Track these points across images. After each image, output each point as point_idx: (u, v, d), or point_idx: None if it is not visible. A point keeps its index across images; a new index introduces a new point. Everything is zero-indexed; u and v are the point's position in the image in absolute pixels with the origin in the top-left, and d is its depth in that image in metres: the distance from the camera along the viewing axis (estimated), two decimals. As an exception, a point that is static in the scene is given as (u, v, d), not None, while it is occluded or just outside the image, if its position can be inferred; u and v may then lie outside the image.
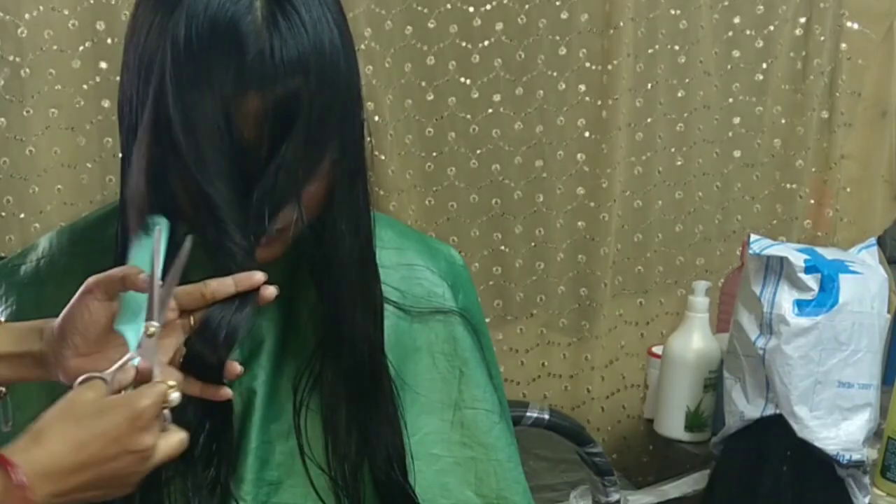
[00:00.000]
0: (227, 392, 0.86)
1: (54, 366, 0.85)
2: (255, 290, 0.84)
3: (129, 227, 0.88)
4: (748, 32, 2.05)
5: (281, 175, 0.83)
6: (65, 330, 0.83)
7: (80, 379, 0.79)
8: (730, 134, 2.09)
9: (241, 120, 0.82)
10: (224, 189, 0.82)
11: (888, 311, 1.64)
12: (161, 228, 0.82)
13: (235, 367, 0.85)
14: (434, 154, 1.92)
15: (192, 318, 0.85)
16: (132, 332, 0.82)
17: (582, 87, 1.95)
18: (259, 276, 0.84)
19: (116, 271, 0.83)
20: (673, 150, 2.06)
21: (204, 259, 0.88)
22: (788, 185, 2.13)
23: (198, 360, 0.84)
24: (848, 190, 2.14)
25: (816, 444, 1.56)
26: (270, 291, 0.85)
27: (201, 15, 0.81)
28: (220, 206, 0.82)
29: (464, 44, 1.88)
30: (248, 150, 0.82)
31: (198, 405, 0.88)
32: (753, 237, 1.64)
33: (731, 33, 2.05)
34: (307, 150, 0.83)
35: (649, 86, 2.00)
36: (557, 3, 1.90)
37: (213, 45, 0.81)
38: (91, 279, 0.83)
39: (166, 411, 0.80)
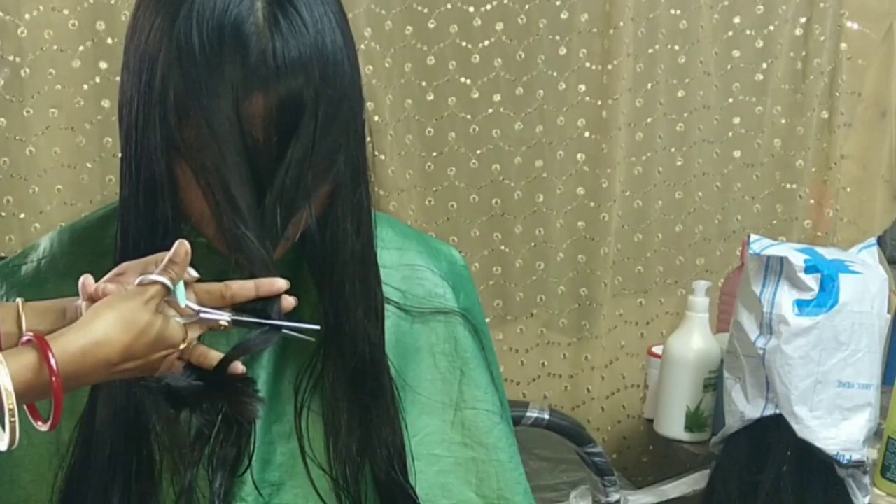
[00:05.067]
0: (238, 366, 0.86)
1: None
2: (278, 297, 0.85)
3: (129, 228, 0.89)
4: (748, 32, 2.05)
5: (291, 176, 0.83)
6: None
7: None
8: (730, 134, 2.09)
9: (249, 121, 0.82)
10: (241, 193, 0.83)
11: (888, 311, 1.64)
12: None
13: (238, 367, 0.85)
14: (434, 154, 1.91)
15: None
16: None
17: (582, 87, 1.95)
18: (281, 283, 0.84)
19: (153, 257, 0.84)
20: (673, 150, 2.06)
21: (204, 260, 0.88)
22: (788, 185, 2.13)
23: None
24: (848, 190, 2.15)
25: (816, 444, 1.56)
26: (290, 302, 0.85)
27: (208, 19, 0.81)
28: (241, 211, 0.83)
29: (464, 44, 1.88)
30: (259, 152, 0.83)
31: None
32: (753, 237, 1.64)
33: (731, 33, 2.05)
34: (315, 150, 0.84)
35: (649, 86, 2.00)
36: (557, 3, 1.90)
37: (220, 48, 0.81)
38: (125, 263, 0.84)
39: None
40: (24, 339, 0.77)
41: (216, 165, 0.82)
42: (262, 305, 0.84)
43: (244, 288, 0.84)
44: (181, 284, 0.82)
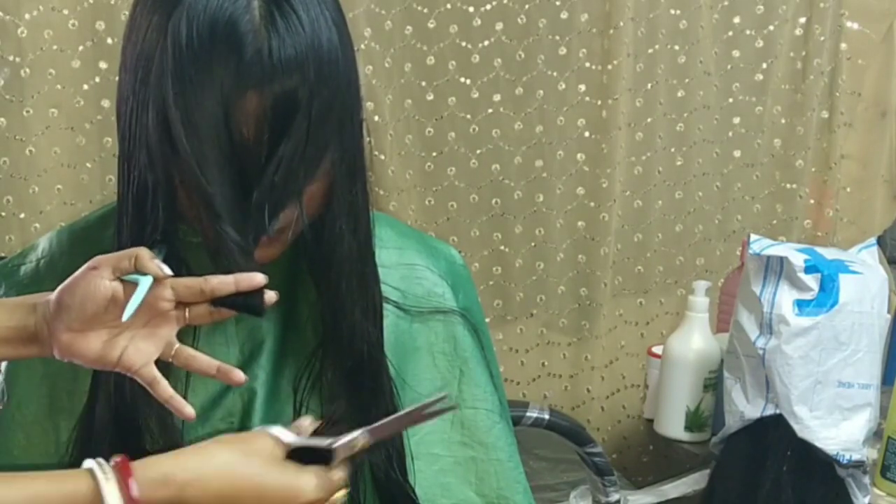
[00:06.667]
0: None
1: (47, 340, 0.85)
2: (260, 292, 0.84)
3: (125, 227, 0.89)
4: (748, 32, 2.05)
5: (280, 174, 0.83)
6: (62, 303, 0.84)
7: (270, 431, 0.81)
8: (730, 134, 2.09)
9: (241, 119, 0.82)
10: (224, 189, 0.82)
11: (888, 311, 1.64)
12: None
13: (239, 374, 0.85)
14: (434, 154, 1.92)
15: (187, 311, 0.85)
16: None
17: (582, 87, 1.95)
18: (260, 277, 0.84)
19: (127, 251, 0.83)
20: (673, 150, 2.06)
21: (202, 260, 0.88)
22: (788, 185, 2.13)
23: None
24: (848, 190, 2.15)
25: (816, 444, 1.55)
26: (270, 296, 0.85)
27: (201, 15, 0.81)
28: (220, 206, 0.82)
29: (464, 44, 1.88)
30: (248, 149, 0.83)
31: None
32: (753, 237, 1.63)
33: (731, 33, 2.05)
34: (307, 149, 0.84)
35: (649, 86, 2.00)
36: (557, 3, 1.90)
37: (213, 45, 0.81)
38: (99, 257, 0.84)
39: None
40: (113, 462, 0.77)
41: (199, 162, 0.82)
42: (244, 300, 0.84)
43: (223, 283, 0.84)
44: (147, 280, 0.82)
